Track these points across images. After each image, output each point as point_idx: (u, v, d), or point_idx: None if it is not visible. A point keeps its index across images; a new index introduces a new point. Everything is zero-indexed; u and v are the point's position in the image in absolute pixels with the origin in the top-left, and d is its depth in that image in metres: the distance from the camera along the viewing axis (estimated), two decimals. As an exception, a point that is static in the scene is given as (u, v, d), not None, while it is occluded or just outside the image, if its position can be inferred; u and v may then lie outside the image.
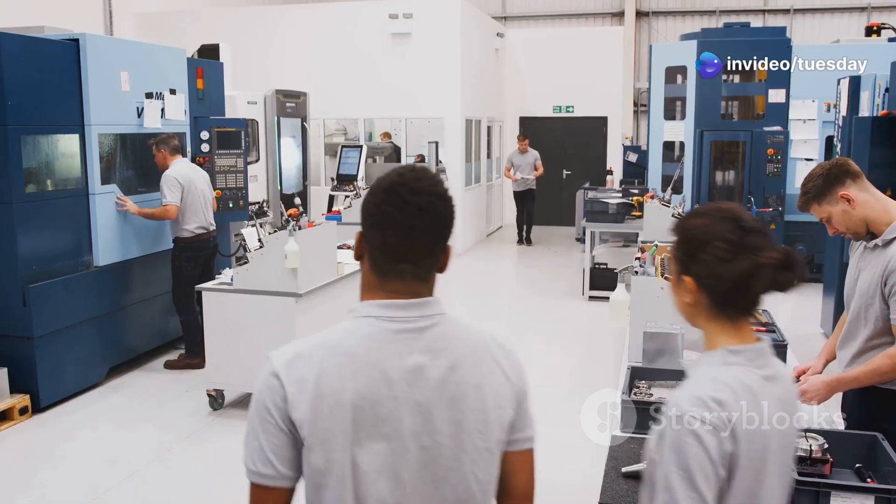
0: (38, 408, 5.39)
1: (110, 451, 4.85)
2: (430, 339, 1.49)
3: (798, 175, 9.46)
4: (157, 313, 6.61)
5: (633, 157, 11.70)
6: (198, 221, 6.19)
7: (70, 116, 5.71)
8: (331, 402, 1.41)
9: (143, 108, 6.29)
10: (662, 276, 3.52)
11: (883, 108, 6.01)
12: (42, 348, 5.40)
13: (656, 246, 3.86)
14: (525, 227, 12.88)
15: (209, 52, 9.47)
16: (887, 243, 2.64)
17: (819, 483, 2.11)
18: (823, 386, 2.71)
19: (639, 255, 3.94)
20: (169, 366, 6.39)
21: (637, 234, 8.03)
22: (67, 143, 5.77)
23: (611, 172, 12.65)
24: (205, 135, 7.07)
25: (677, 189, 9.45)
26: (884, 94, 6.09)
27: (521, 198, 12.78)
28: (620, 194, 9.24)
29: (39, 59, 5.42)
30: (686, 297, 1.63)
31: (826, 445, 2.32)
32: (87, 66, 5.75)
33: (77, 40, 5.75)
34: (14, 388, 5.30)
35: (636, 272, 3.60)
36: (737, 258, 1.53)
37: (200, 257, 6.25)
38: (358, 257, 1.57)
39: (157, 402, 5.67)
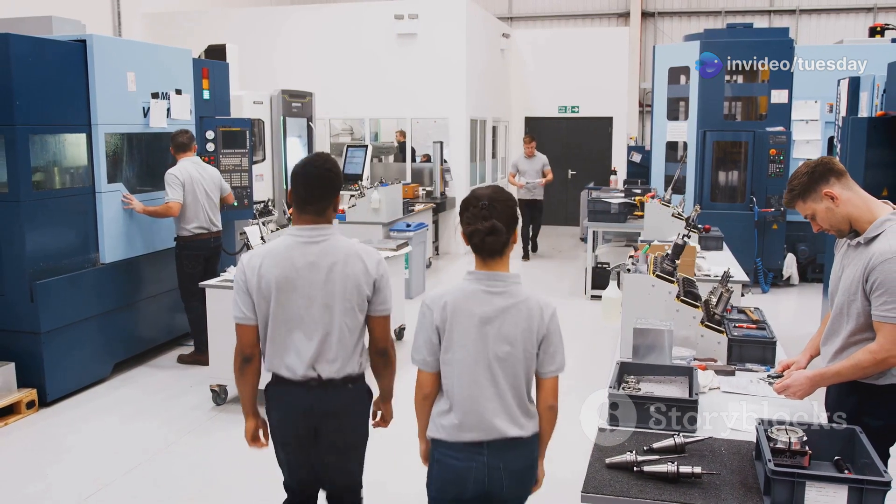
0: (44, 402, 5.49)
1: (115, 444, 4.95)
2: (322, 248, 2.82)
3: (800, 175, 9.47)
4: (162, 310, 6.71)
5: (637, 158, 11.75)
6: (197, 221, 6.20)
7: (77, 116, 5.82)
8: (266, 278, 2.79)
9: (148, 108, 6.38)
10: (654, 273, 3.58)
11: (881, 109, 6.04)
12: (49, 343, 5.50)
13: (649, 245, 3.91)
14: (530, 239, 11.92)
15: (216, 53, 9.56)
16: (869, 241, 2.70)
17: (794, 473, 2.17)
18: (806, 381, 2.77)
19: (632, 253, 3.99)
20: (181, 360, 6.51)
21: (639, 234, 8.08)
22: (74, 143, 5.87)
23: (615, 172, 12.68)
24: (210, 134, 7.17)
25: (679, 189, 9.51)
26: (882, 95, 6.12)
27: (527, 207, 11.59)
28: (623, 194, 9.28)
29: (47, 59, 5.52)
30: (465, 245, 2.58)
31: (805, 438, 2.38)
32: (94, 67, 5.85)
33: (84, 41, 5.84)
34: (21, 383, 5.41)
35: (628, 270, 3.65)
36: (471, 223, 2.48)
37: (199, 256, 6.27)
38: (290, 203, 2.92)
39: (161, 398, 5.76)
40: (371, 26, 12.13)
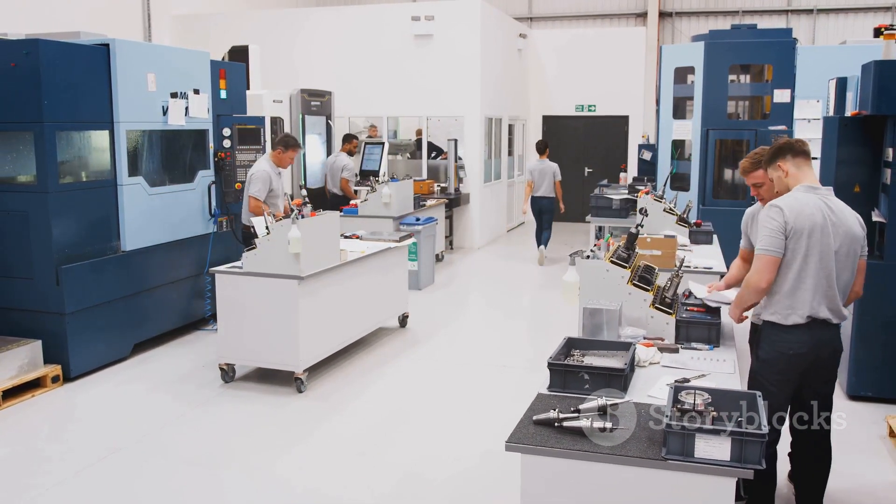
0: (68, 377, 5.97)
1: (130, 415, 5.40)
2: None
3: (802, 173, 9.64)
4: (180, 295, 7.17)
5: (647, 156, 11.96)
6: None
7: (101, 114, 6.28)
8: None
9: (168, 107, 6.83)
10: (609, 259, 3.90)
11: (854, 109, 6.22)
12: (73, 324, 5.98)
13: (610, 234, 4.22)
14: None
15: (240, 53, 10.03)
16: None
17: (685, 427, 2.49)
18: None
19: (596, 242, 4.31)
20: None
21: (638, 229, 8.32)
22: (98, 139, 6.34)
23: (624, 170, 12.92)
24: (226, 131, 7.60)
25: (684, 186, 9.74)
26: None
27: None
28: (627, 191, 9.54)
29: (73, 62, 5.98)
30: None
31: (710, 400, 2.70)
32: (117, 69, 6.31)
33: (108, 45, 6.30)
34: (47, 359, 5.89)
35: (587, 256, 3.98)
36: (537, 145, 11.29)
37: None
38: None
39: (175, 375, 6.21)
40: (389, 27, 12.53)
